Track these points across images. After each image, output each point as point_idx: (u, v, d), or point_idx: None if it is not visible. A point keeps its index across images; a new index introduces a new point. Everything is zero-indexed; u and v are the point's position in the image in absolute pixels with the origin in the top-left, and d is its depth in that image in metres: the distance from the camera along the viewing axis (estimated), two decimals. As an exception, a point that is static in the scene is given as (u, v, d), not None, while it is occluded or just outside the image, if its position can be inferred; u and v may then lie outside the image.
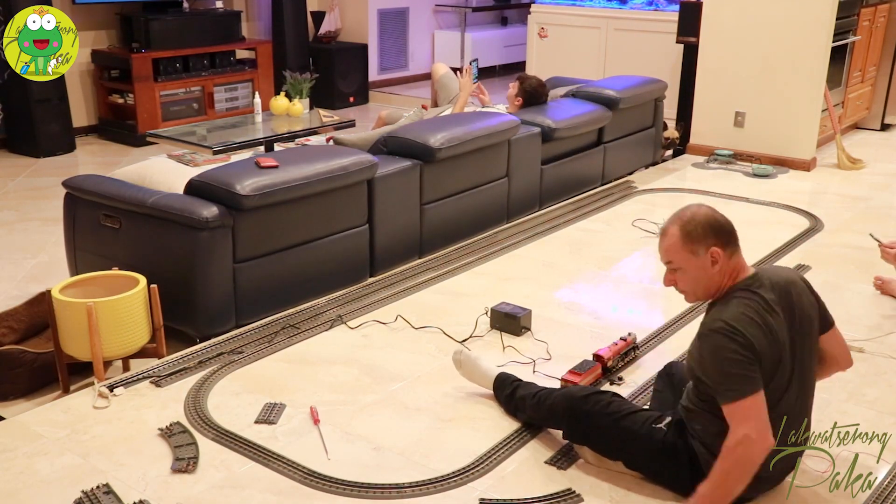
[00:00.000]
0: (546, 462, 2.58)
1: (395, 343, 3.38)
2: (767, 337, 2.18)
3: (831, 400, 2.96)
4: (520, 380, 2.84)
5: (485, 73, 9.33)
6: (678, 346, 3.34)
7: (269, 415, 2.82)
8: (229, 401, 2.93)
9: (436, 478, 2.50)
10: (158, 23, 6.83)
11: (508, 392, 2.81)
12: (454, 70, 5.42)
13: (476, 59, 5.30)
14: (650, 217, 4.86)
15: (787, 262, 4.22)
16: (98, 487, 2.42)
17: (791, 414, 2.25)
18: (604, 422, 2.46)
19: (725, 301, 2.27)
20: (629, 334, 3.26)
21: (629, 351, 3.22)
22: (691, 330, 3.46)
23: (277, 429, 2.76)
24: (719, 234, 2.29)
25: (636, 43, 7.51)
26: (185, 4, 7.23)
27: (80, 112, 6.89)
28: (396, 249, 4.11)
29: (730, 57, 6.16)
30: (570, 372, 3.01)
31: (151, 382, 3.03)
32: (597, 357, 3.10)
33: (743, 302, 2.23)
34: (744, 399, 2.13)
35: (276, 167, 3.50)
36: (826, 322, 2.41)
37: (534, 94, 5.10)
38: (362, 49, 8.47)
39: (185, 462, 2.54)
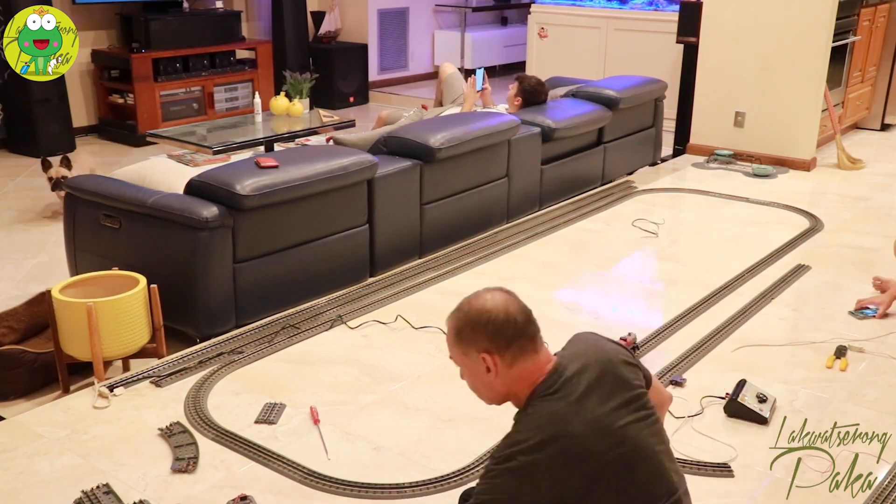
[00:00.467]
0: None
1: (396, 343, 3.38)
2: (569, 450, 1.67)
3: (831, 400, 2.96)
4: None
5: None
6: (678, 345, 3.34)
7: (269, 415, 2.82)
8: (229, 401, 2.93)
9: (436, 478, 2.51)
10: (158, 23, 6.82)
11: None
12: (463, 73, 5.41)
13: (482, 68, 5.29)
14: (650, 217, 4.86)
15: (788, 262, 4.22)
16: (98, 487, 2.42)
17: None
18: None
19: (522, 413, 1.78)
20: (629, 334, 3.27)
21: (630, 350, 3.21)
22: (692, 330, 3.48)
23: (277, 429, 2.76)
24: (493, 337, 1.77)
25: (636, 43, 7.51)
26: (185, 4, 7.23)
27: (80, 112, 6.89)
28: (396, 249, 4.11)
29: (730, 57, 6.16)
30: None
31: (151, 382, 3.03)
32: None
33: (533, 419, 1.73)
34: None
35: (276, 167, 3.50)
36: (648, 380, 1.92)
37: (533, 94, 5.10)
38: (362, 49, 8.47)
39: (185, 462, 2.54)
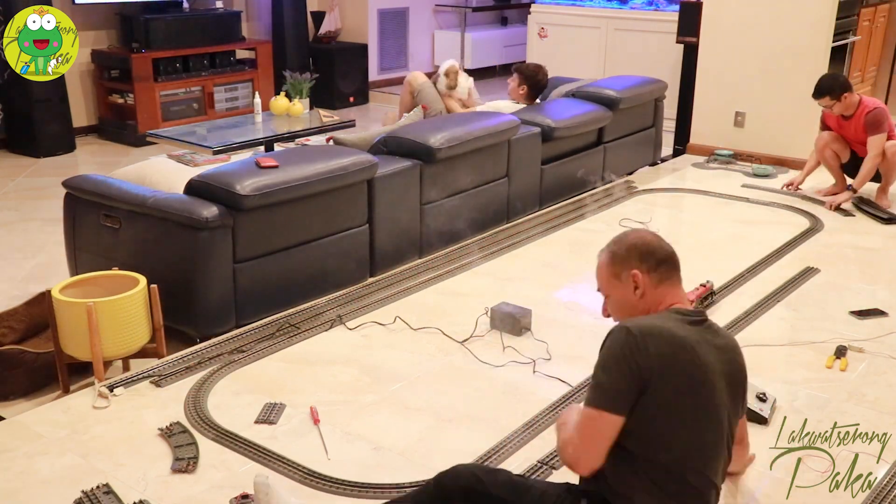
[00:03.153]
0: (539, 461, 2.58)
1: (395, 343, 3.38)
2: (678, 352, 1.87)
3: (831, 400, 2.96)
4: None
5: (485, 73, 9.37)
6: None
7: (269, 415, 2.82)
8: (229, 401, 2.93)
9: (436, 478, 2.50)
10: (158, 23, 6.83)
11: None
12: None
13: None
14: (645, 217, 4.86)
15: (788, 262, 4.22)
16: (98, 487, 2.42)
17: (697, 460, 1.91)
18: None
19: None
20: (707, 281, 3.61)
21: (708, 296, 3.61)
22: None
23: (277, 429, 2.76)
24: (645, 257, 2.02)
25: (636, 43, 7.51)
26: (185, 4, 7.23)
27: (80, 112, 6.89)
28: (396, 249, 4.11)
29: (730, 57, 6.16)
30: None
31: (151, 382, 3.03)
32: None
33: (661, 315, 1.97)
34: (592, 409, 1.87)
35: (276, 167, 3.50)
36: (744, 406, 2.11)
37: (535, 77, 5.18)
38: (362, 49, 8.47)
39: (186, 462, 2.54)
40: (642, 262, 2.01)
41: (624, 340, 1.87)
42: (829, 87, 5.00)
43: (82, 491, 2.40)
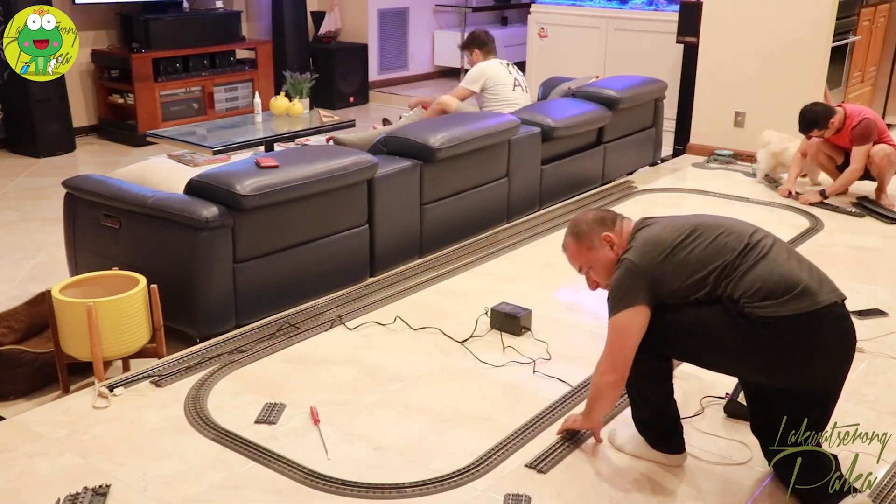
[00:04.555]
0: (526, 465, 2.57)
1: (395, 343, 3.38)
2: (666, 237, 2.36)
3: (831, 400, 2.95)
4: None
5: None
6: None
7: (269, 415, 2.82)
8: (229, 401, 2.93)
9: (436, 478, 2.50)
10: (158, 23, 6.83)
11: None
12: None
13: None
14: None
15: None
16: (90, 488, 2.41)
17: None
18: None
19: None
20: None
21: None
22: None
23: (277, 429, 2.76)
24: (601, 221, 2.52)
25: (636, 43, 7.51)
26: (185, 4, 7.23)
27: (80, 112, 6.89)
28: (396, 249, 4.11)
29: (730, 57, 6.16)
30: None
31: (151, 382, 3.03)
32: None
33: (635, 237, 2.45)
34: (616, 315, 2.37)
35: (276, 167, 3.50)
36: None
37: (471, 39, 5.35)
38: (362, 49, 8.47)
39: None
40: (603, 224, 2.50)
41: (625, 269, 2.36)
42: (814, 120, 5.01)
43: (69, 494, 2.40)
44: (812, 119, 5.01)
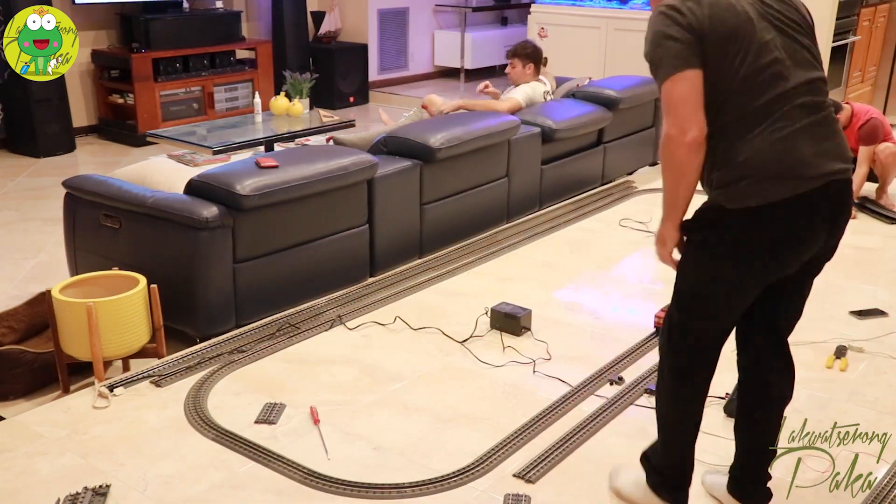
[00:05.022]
0: (514, 475, 2.54)
1: (395, 343, 3.38)
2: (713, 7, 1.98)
3: (831, 400, 2.96)
4: None
5: (485, 74, 9.35)
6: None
7: (269, 415, 2.82)
8: (229, 401, 2.93)
9: (436, 478, 2.51)
10: (158, 23, 6.83)
11: None
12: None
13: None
14: (645, 217, 4.85)
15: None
16: (90, 488, 2.41)
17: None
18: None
19: None
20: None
21: None
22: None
23: (277, 429, 2.76)
24: None
25: (636, 43, 7.45)
26: (185, 4, 7.23)
27: (80, 112, 6.89)
28: (396, 249, 4.11)
29: (730, 57, 6.15)
30: (663, 309, 3.21)
31: (151, 382, 3.03)
32: None
33: None
34: (668, 79, 1.99)
35: (276, 167, 3.50)
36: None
37: (536, 53, 5.18)
38: (362, 49, 8.47)
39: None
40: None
41: (660, 18, 1.99)
42: None
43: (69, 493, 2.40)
44: None
